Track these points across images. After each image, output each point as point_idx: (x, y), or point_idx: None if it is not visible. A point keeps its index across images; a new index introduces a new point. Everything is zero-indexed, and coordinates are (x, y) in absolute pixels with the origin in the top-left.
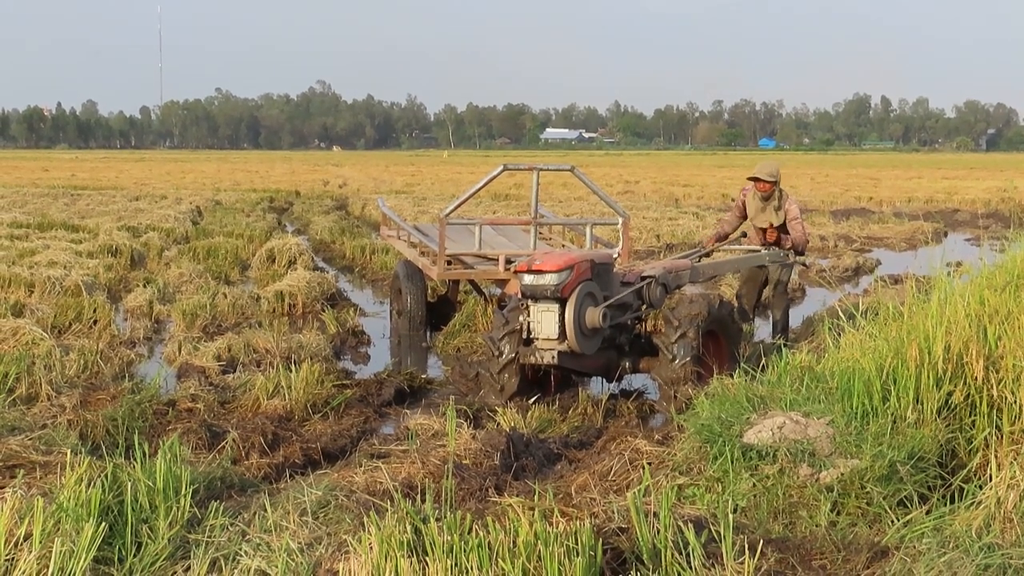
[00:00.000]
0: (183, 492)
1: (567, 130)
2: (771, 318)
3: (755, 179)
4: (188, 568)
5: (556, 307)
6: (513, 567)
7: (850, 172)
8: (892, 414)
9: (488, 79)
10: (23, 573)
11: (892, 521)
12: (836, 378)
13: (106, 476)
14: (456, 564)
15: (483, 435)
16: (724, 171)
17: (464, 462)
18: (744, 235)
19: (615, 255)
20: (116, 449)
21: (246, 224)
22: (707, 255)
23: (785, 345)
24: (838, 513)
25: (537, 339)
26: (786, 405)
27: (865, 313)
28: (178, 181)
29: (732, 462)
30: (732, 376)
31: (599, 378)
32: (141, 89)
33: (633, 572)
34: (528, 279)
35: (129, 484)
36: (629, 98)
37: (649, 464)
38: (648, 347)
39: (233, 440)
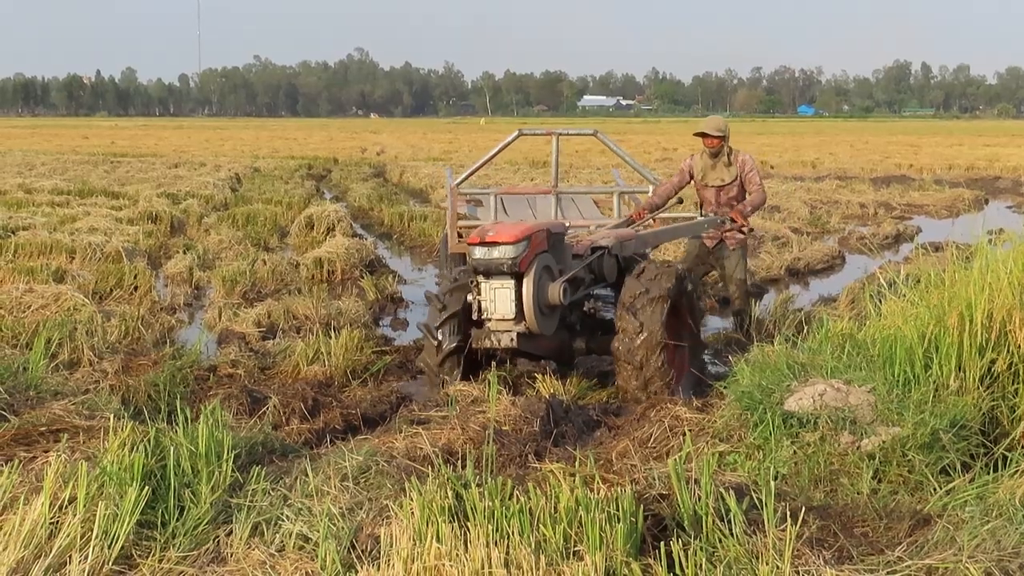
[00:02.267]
0: (225, 457)
1: (604, 97)
2: (732, 309)
3: (702, 134)
4: (230, 532)
5: (512, 283)
6: (554, 532)
7: (890, 139)
8: (934, 382)
9: (526, 46)
10: (67, 536)
11: (934, 489)
12: (878, 346)
13: (149, 441)
14: (497, 529)
15: (523, 402)
16: (763, 138)
17: (504, 428)
18: (680, 201)
19: (568, 224)
20: (158, 414)
21: (285, 191)
22: (640, 227)
23: (747, 338)
24: (880, 481)
25: (490, 320)
26: (827, 372)
27: (906, 280)
28: (217, 148)
29: (773, 429)
30: (695, 359)
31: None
32: (180, 57)
33: (674, 539)
34: (480, 252)
35: (172, 449)
36: (667, 65)
37: (689, 431)
38: (599, 325)
39: (274, 405)
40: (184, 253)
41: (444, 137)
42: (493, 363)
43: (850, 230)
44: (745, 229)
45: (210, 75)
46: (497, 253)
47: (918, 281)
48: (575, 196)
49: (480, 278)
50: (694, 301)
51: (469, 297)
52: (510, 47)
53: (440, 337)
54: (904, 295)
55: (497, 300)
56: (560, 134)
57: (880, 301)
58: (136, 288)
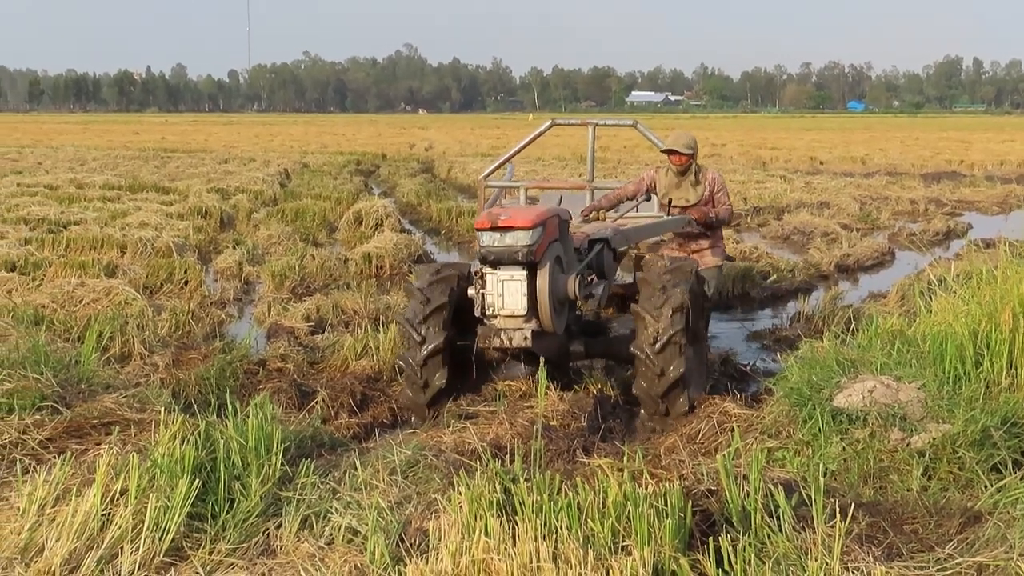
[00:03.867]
0: (275, 450)
1: (653, 93)
2: None
3: (670, 151)
4: (280, 525)
5: (523, 274)
6: (603, 527)
7: (940, 135)
8: (985, 379)
9: (574, 42)
10: (119, 528)
11: (985, 486)
12: (928, 342)
13: (199, 434)
14: (545, 524)
15: (571, 397)
16: (812, 134)
17: (552, 423)
18: (648, 198)
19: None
20: (208, 408)
21: (333, 186)
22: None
23: None
24: (929, 478)
25: (497, 316)
26: (877, 369)
27: (957, 277)
28: (266, 144)
29: (822, 426)
30: (700, 363)
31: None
32: (229, 53)
33: (722, 534)
34: (490, 238)
35: (222, 442)
36: (715, 60)
37: (738, 427)
38: (593, 327)
39: (323, 399)
40: (234, 248)
41: (492, 133)
42: (494, 364)
43: (900, 226)
44: (720, 253)
45: (259, 71)
46: (511, 239)
47: (969, 278)
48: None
49: (486, 269)
50: (701, 303)
51: (470, 291)
52: (558, 43)
53: (423, 333)
54: (955, 292)
55: (507, 294)
56: (597, 124)
57: (930, 297)
58: (186, 283)
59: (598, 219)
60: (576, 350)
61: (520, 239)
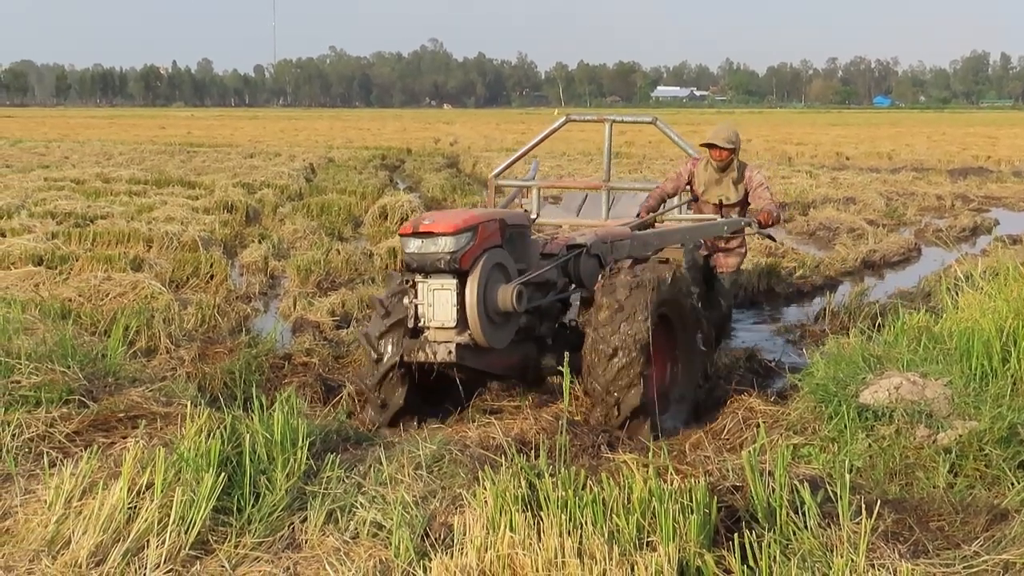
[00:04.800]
0: (300, 444)
1: (678, 88)
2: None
3: (710, 145)
4: (305, 519)
5: (453, 283)
6: (627, 523)
7: (967, 130)
8: (1012, 376)
9: (599, 37)
10: (145, 521)
11: (1012, 484)
12: (954, 339)
13: (225, 428)
14: (570, 519)
15: None
16: (838, 129)
17: (576, 419)
18: (695, 198)
19: (533, 217)
20: (234, 401)
21: (359, 181)
22: (648, 226)
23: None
24: (956, 475)
25: (428, 328)
26: (903, 366)
27: (984, 273)
28: (291, 139)
29: (848, 422)
30: (690, 380)
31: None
32: (255, 47)
33: (747, 531)
34: (414, 245)
35: (247, 436)
36: (741, 55)
37: (763, 423)
38: (578, 340)
39: (348, 394)
40: (259, 242)
41: (517, 128)
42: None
43: (926, 222)
44: (764, 234)
45: (285, 66)
46: (433, 246)
47: (996, 274)
48: (635, 192)
49: (417, 277)
50: (686, 309)
51: (404, 301)
52: (583, 38)
53: (381, 350)
54: (982, 288)
55: (436, 304)
56: (614, 121)
57: (957, 294)
58: (212, 277)
59: (653, 224)
60: (548, 364)
61: (443, 245)
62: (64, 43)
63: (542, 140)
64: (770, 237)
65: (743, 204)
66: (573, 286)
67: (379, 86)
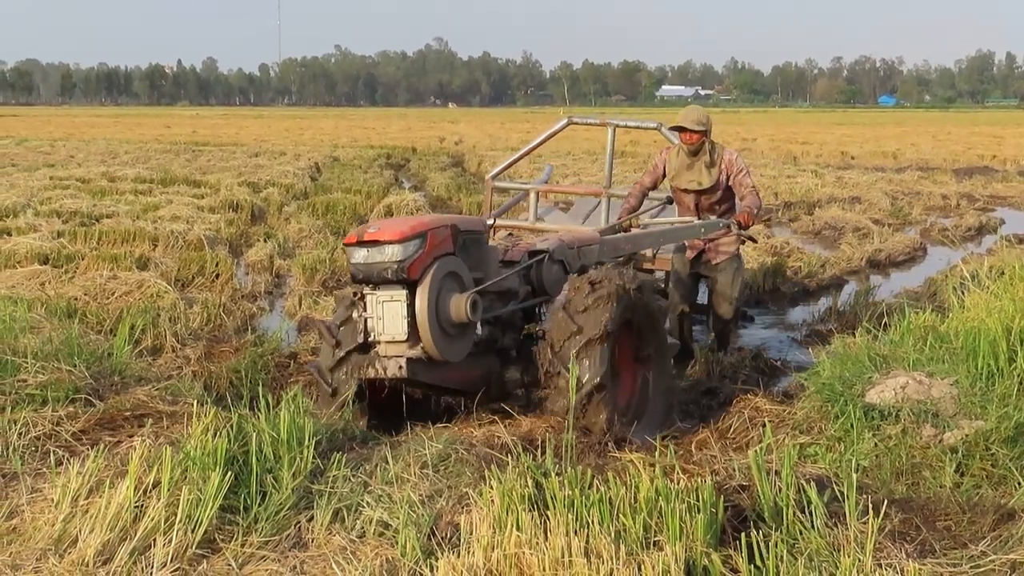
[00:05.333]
0: (306, 443)
1: (683, 87)
2: (710, 326)
3: (679, 128)
4: (311, 518)
5: (403, 294)
6: (634, 522)
7: (972, 130)
8: (1018, 375)
9: (604, 36)
10: (152, 520)
11: (1018, 483)
12: (961, 338)
13: (231, 426)
14: (577, 518)
15: None
16: (843, 128)
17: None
18: (670, 200)
19: (489, 223)
20: (240, 400)
21: (364, 180)
22: (623, 230)
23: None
24: (962, 474)
25: (379, 342)
26: (909, 365)
27: (990, 272)
28: (297, 138)
29: (854, 421)
30: (659, 387)
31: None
32: (260, 46)
33: (754, 530)
34: (360, 255)
35: (254, 435)
36: (746, 55)
37: (769, 422)
38: None
39: (354, 393)
40: (265, 241)
41: (522, 127)
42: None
43: (932, 221)
44: (744, 235)
45: (290, 65)
46: (380, 255)
47: (1002, 273)
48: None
49: (366, 289)
50: (653, 313)
51: (354, 314)
52: (588, 37)
53: (334, 383)
54: (988, 287)
55: (386, 316)
56: (617, 125)
57: (963, 293)
58: (217, 276)
59: (632, 226)
60: (512, 378)
61: (389, 254)
62: (69, 42)
63: (543, 141)
64: (750, 239)
65: (720, 189)
66: (538, 295)
67: (384, 85)
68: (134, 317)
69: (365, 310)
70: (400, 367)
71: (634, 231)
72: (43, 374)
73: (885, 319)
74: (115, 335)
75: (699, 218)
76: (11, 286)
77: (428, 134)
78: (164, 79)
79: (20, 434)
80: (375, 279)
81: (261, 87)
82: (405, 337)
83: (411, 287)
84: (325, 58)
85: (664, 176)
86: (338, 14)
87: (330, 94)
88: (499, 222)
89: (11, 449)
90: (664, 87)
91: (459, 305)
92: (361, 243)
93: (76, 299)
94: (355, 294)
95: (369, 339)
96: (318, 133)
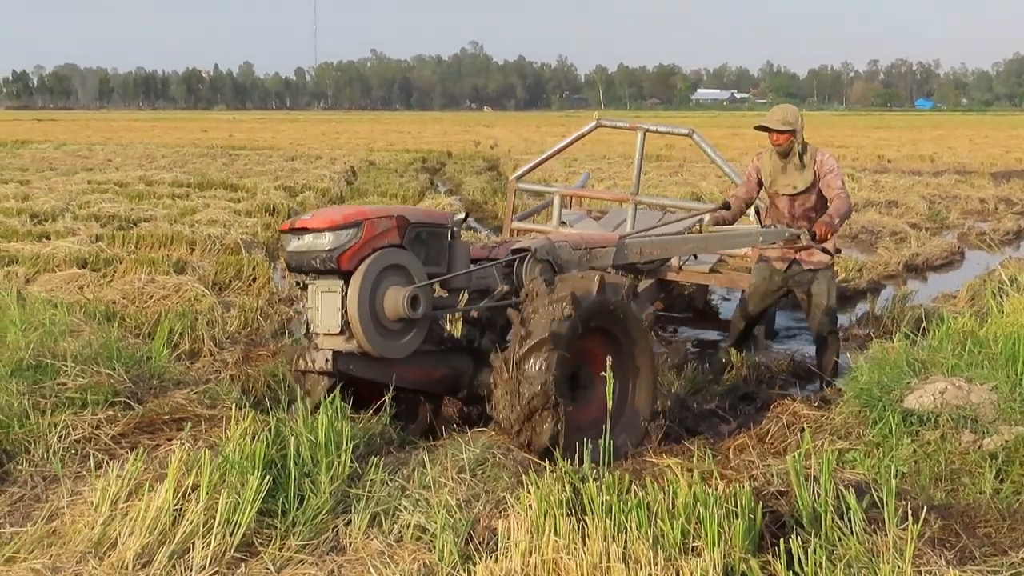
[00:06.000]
0: (344, 447)
1: (718, 90)
2: (816, 361)
3: (764, 128)
4: (349, 522)
5: (340, 285)
6: (672, 528)
7: (1011, 133)
8: None
9: (639, 39)
10: (191, 523)
11: None
12: (1000, 343)
13: (269, 430)
14: (615, 524)
15: None
16: (879, 132)
17: None
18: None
19: (459, 217)
20: (277, 404)
21: (400, 184)
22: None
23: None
24: (1002, 481)
25: (316, 334)
26: (948, 370)
27: None
28: (332, 142)
29: (892, 427)
30: (637, 404)
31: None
32: (296, 51)
33: (793, 536)
34: (292, 243)
35: (292, 438)
36: (782, 57)
37: (807, 428)
38: None
39: (391, 397)
40: None
41: (557, 131)
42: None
43: (970, 225)
44: (831, 248)
45: (326, 69)
46: (310, 243)
47: None
48: (672, 208)
49: (308, 279)
50: (629, 319)
51: (300, 305)
52: (623, 40)
53: (307, 385)
54: None
55: (323, 308)
56: (647, 130)
57: (1002, 298)
58: (254, 279)
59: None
60: (484, 381)
61: (319, 242)
62: (107, 47)
63: (570, 144)
64: (826, 251)
65: (815, 192)
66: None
67: (419, 89)
68: (172, 321)
69: (306, 300)
70: (327, 360)
71: (667, 236)
72: (83, 377)
73: (923, 324)
74: (153, 339)
75: (792, 224)
76: (50, 289)
77: (463, 138)
78: (201, 83)
79: (60, 437)
80: (305, 268)
81: (297, 91)
82: (339, 330)
83: (347, 278)
84: (361, 62)
85: (760, 185)
86: (373, 18)
87: (365, 98)
88: (520, 225)
89: (51, 452)
90: (699, 90)
91: (396, 300)
92: (294, 230)
93: (114, 302)
94: (298, 284)
95: (309, 331)
96: (353, 137)
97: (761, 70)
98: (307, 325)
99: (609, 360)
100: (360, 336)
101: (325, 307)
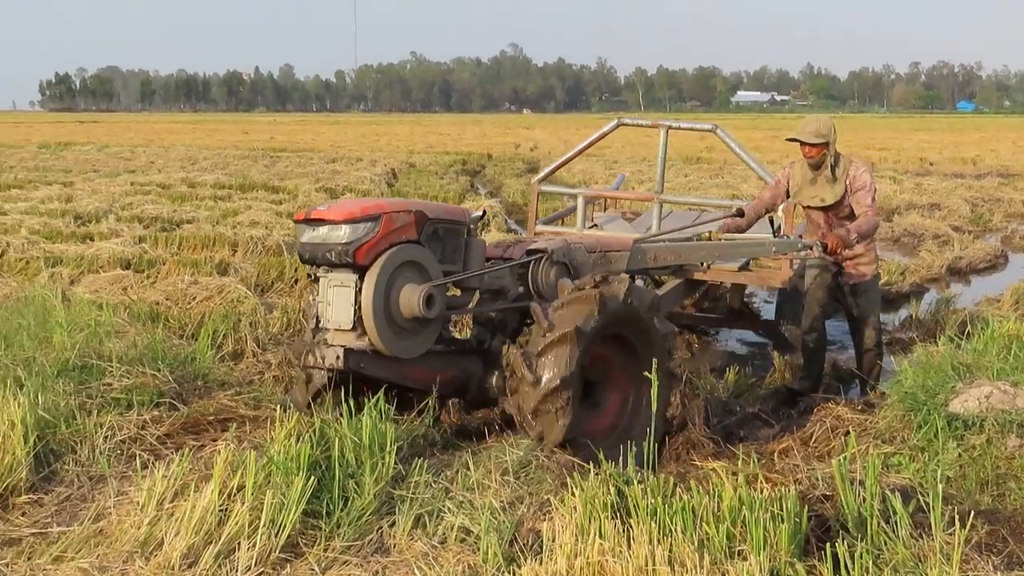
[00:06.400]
0: (388, 449)
1: (758, 93)
2: (858, 365)
3: (797, 141)
4: (393, 523)
5: (354, 280)
6: (717, 531)
7: None
8: None
9: (679, 41)
10: (236, 524)
11: None
12: None
13: (314, 432)
14: (660, 527)
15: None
16: (921, 134)
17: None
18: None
19: (476, 214)
20: (321, 405)
21: (440, 186)
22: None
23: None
24: None
25: (327, 329)
26: (993, 374)
27: None
28: (372, 144)
29: (938, 431)
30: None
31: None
32: (336, 53)
33: (838, 540)
34: (306, 234)
35: (336, 440)
36: (822, 59)
37: (852, 431)
38: None
39: (435, 398)
40: None
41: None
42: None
43: (1013, 228)
44: (830, 259)
45: (366, 71)
46: (326, 235)
47: None
48: (698, 208)
49: (321, 271)
50: (648, 327)
51: (308, 298)
52: (663, 42)
53: (305, 368)
54: None
55: (335, 302)
56: (670, 127)
57: None
58: (296, 281)
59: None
60: (495, 384)
61: (336, 235)
62: (149, 49)
63: (592, 143)
64: (836, 264)
65: (847, 205)
66: (536, 296)
67: (459, 91)
68: (215, 322)
69: (317, 293)
70: (337, 357)
71: (681, 243)
72: (128, 378)
73: (967, 327)
74: (197, 340)
75: (822, 234)
76: (95, 290)
77: (503, 140)
78: (242, 86)
79: (106, 437)
80: (319, 260)
81: (337, 93)
82: (351, 326)
83: (362, 272)
84: (401, 65)
85: (788, 193)
86: (413, 21)
87: (405, 100)
88: (544, 228)
89: (98, 452)
90: (739, 92)
91: (411, 298)
92: (309, 221)
93: (158, 304)
94: (310, 276)
95: (320, 325)
96: (394, 139)
97: (802, 72)
98: (316, 319)
99: (655, 363)
100: (373, 334)
101: (338, 302)
